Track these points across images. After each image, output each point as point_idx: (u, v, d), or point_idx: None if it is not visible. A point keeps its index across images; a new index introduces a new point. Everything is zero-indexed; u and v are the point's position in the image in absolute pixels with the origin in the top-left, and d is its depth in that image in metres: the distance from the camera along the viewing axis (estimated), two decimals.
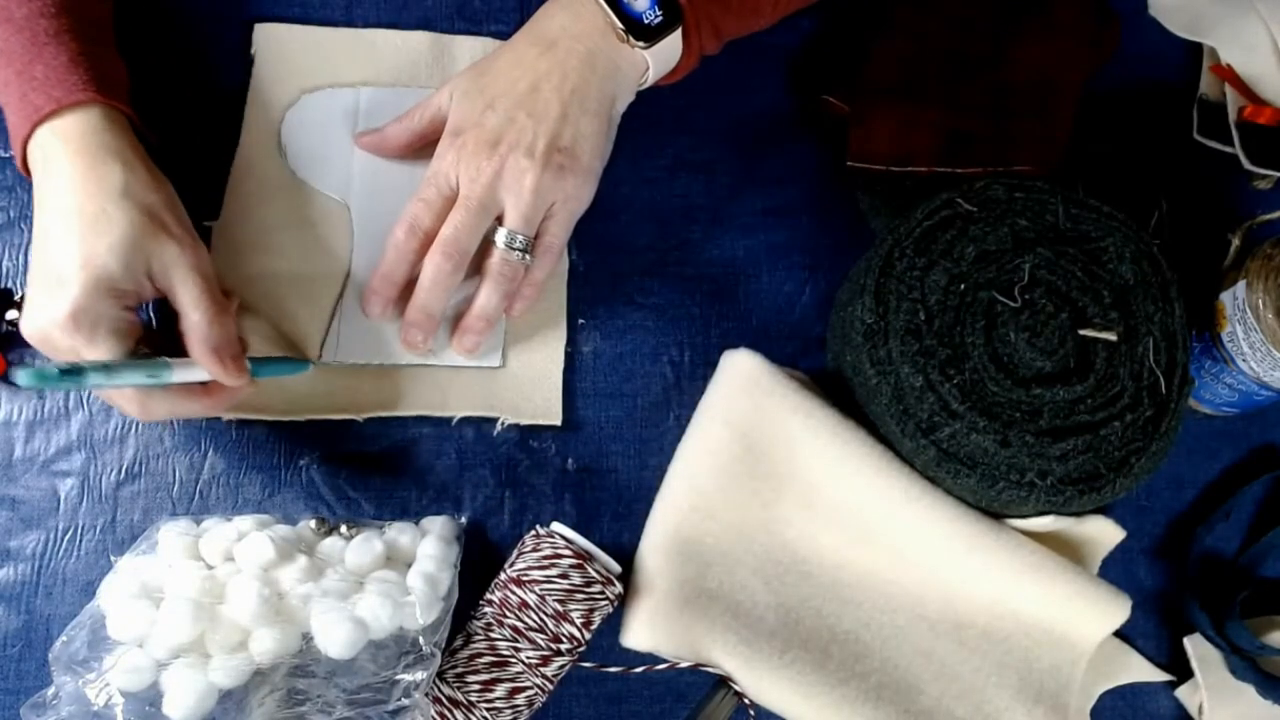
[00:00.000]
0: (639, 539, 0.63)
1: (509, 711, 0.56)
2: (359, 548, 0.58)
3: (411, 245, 0.61)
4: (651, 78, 0.63)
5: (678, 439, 0.64)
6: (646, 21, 0.60)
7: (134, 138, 0.58)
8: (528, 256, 0.61)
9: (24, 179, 0.65)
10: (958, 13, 0.72)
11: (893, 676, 0.61)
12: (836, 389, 0.64)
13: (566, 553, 0.58)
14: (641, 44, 0.60)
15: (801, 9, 0.68)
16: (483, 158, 0.59)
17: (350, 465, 0.63)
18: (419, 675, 0.53)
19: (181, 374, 0.54)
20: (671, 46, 0.61)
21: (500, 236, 0.60)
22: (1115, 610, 0.60)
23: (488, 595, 0.59)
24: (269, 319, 0.62)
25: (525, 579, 0.58)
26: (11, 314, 0.63)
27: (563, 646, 0.57)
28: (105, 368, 0.52)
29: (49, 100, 0.55)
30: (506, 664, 0.56)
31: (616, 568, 0.60)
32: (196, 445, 0.63)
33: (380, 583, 0.56)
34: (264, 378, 0.59)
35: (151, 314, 0.62)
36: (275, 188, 0.66)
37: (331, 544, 0.58)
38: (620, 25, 0.60)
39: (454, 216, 0.59)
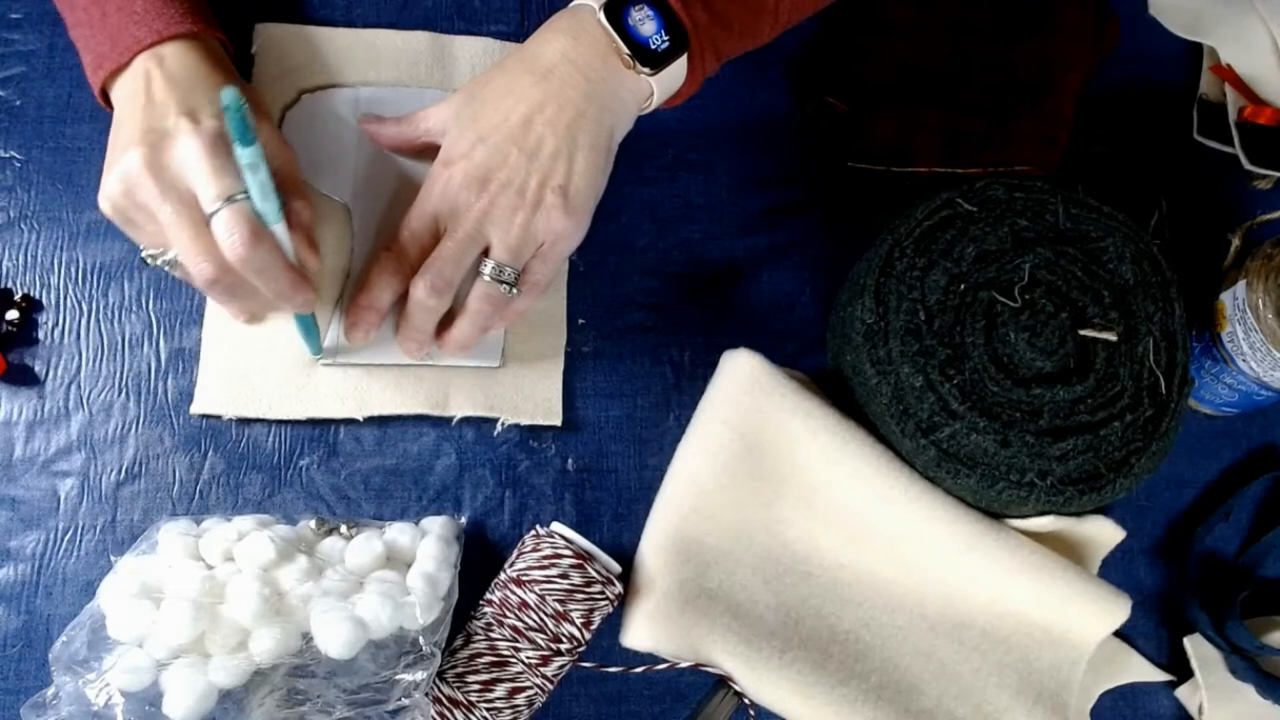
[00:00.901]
0: (639, 539, 0.63)
1: (509, 711, 0.56)
2: (359, 548, 0.58)
3: (397, 275, 0.60)
4: (655, 104, 0.61)
5: (678, 439, 0.64)
6: (653, 47, 0.57)
7: (231, 64, 0.61)
8: (513, 290, 0.59)
9: (24, 179, 0.65)
10: (957, 13, 0.72)
11: (893, 676, 0.61)
12: (836, 389, 0.64)
13: (566, 553, 0.58)
14: (648, 70, 0.58)
15: (798, 24, 0.67)
16: (472, 193, 0.57)
17: (350, 465, 0.63)
18: (419, 675, 0.53)
19: (281, 231, 0.56)
20: (676, 72, 0.59)
21: (486, 268, 0.58)
22: (1115, 610, 0.60)
23: (488, 595, 0.59)
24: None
25: (525, 579, 0.58)
26: (11, 314, 0.63)
27: (563, 646, 0.57)
28: (261, 158, 0.52)
29: (150, 32, 0.57)
30: (506, 664, 0.56)
31: (616, 568, 0.60)
32: (196, 445, 0.63)
33: (380, 583, 0.56)
34: (302, 321, 0.61)
35: None
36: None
37: (331, 544, 0.58)
38: (627, 51, 0.57)
39: (441, 248, 0.58)
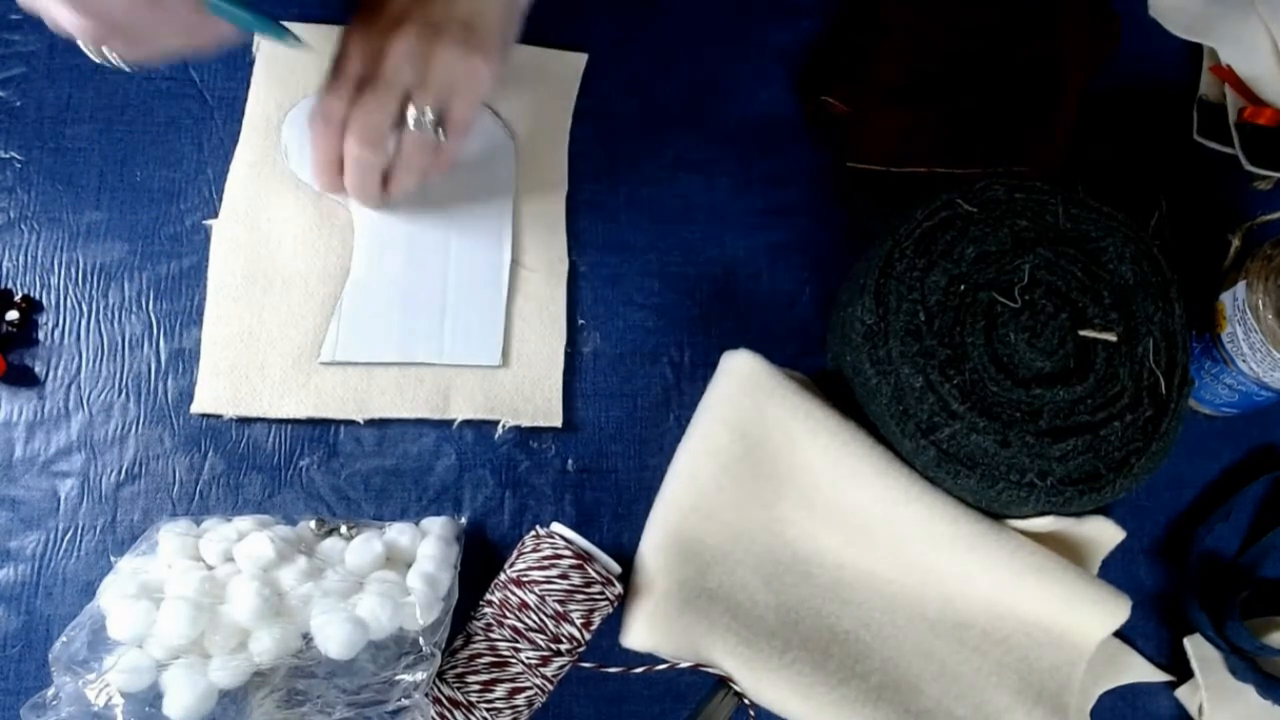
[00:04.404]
0: (639, 539, 0.63)
1: (509, 712, 0.56)
2: (359, 548, 0.58)
3: (332, 134, 0.61)
4: None
5: (678, 439, 0.64)
6: None
7: None
8: (440, 131, 0.60)
9: (24, 179, 0.65)
10: (958, 13, 0.72)
11: (893, 677, 0.61)
12: (836, 389, 0.64)
13: (566, 553, 0.58)
14: None
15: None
16: (384, 36, 0.59)
17: (350, 466, 0.63)
18: (419, 675, 0.53)
19: None
20: None
21: (410, 115, 0.60)
22: (1115, 610, 0.60)
23: (488, 596, 0.59)
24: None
25: (525, 579, 0.58)
26: (11, 314, 0.63)
27: (563, 647, 0.57)
28: None
29: None
30: (506, 664, 0.56)
31: (616, 568, 0.60)
32: (196, 445, 0.63)
33: (380, 583, 0.56)
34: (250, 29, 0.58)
35: None
36: (275, 188, 0.66)
37: (331, 544, 0.58)
38: None
39: (363, 99, 0.59)
